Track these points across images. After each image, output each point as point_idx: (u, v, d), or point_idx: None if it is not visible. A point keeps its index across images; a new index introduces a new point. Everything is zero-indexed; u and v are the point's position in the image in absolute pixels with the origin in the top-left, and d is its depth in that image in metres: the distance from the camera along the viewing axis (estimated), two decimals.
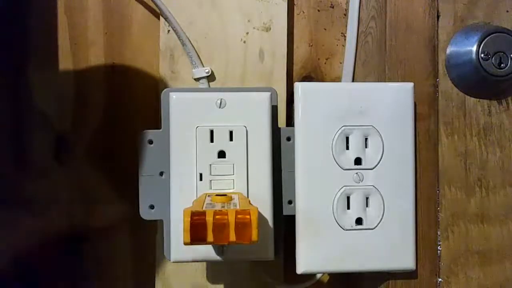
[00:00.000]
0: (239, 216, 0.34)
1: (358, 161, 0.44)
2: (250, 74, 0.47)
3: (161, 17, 0.47)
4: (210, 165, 0.42)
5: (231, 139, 0.42)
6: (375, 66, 0.49)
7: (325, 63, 0.49)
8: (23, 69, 0.47)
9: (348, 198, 0.44)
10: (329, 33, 0.49)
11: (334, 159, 0.44)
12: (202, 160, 0.42)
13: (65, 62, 0.47)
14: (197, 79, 0.47)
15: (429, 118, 0.49)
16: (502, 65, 0.47)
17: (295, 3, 0.49)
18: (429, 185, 0.49)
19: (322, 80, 0.49)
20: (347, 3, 0.49)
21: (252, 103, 0.43)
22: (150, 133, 0.43)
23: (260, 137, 0.43)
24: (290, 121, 0.47)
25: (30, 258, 0.47)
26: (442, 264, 0.49)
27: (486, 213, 0.49)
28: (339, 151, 0.44)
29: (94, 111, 0.47)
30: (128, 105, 0.48)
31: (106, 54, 0.48)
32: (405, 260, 0.45)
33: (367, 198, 0.44)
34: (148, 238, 0.47)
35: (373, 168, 0.44)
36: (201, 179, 0.42)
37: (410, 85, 0.45)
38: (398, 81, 0.49)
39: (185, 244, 0.34)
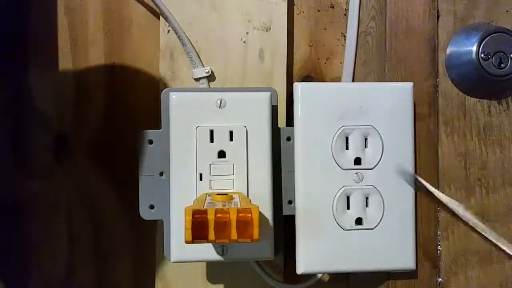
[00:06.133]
0: (240, 214, 0.34)
1: (357, 161, 0.44)
2: (250, 74, 0.47)
3: (161, 17, 0.47)
4: (210, 165, 0.42)
5: (231, 139, 0.43)
6: (375, 66, 0.49)
7: (325, 63, 0.49)
8: (23, 69, 0.47)
9: (348, 198, 0.44)
10: (329, 33, 0.49)
11: (334, 159, 0.44)
12: (202, 160, 0.42)
13: (65, 62, 0.47)
14: (197, 79, 0.47)
15: (429, 118, 0.49)
16: (502, 65, 0.47)
17: (295, 3, 0.49)
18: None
19: (322, 80, 0.49)
20: (347, 3, 0.49)
21: (252, 103, 0.43)
22: (150, 133, 0.43)
23: (260, 137, 0.43)
24: (290, 121, 0.47)
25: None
26: (442, 264, 0.49)
27: (486, 213, 0.49)
28: (339, 151, 0.44)
29: (94, 111, 0.47)
30: (128, 105, 0.48)
31: (106, 54, 0.48)
32: (405, 260, 0.45)
33: (367, 198, 0.44)
34: (148, 238, 0.47)
35: (373, 168, 0.44)
36: (201, 179, 0.42)
37: (409, 85, 0.45)
38: (398, 81, 0.49)
39: (186, 242, 0.34)
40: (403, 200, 0.45)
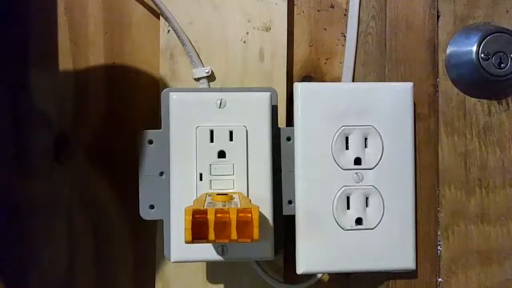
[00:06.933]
0: (240, 214, 0.34)
1: (357, 161, 0.44)
2: (250, 74, 0.47)
3: (161, 17, 0.47)
4: (210, 165, 0.42)
5: (231, 139, 0.42)
6: (375, 66, 0.49)
7: (325, 63, 0.49)
8: (23, 69, 0.47)
9: (348, 198, 0.44)
10: (329, 33, 0.49)
11: (334, 159, 0.44)
12: (202, 160, 0.42)
13: (65, 62, 0.47)
14: (197, 79, 0.47)
15: (429, 118, 0.49)
16: (502, 65, 0.47)
17: (295, 3, 0.49)
18: (429, 185, 0.49)
19: (322, 80, 0.49)
20: (347, 3, 0.49)
21: (252, 103, 0.43)
22: (150, 133, 0.43)
23: (260, 137, 0.43)
24: (290, 121, 0.47)
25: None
26: (442, 264, 0.49)
27: (486, 213, 0.49)
28: (339, 151, 0.44)
29: (94, 111, 0.47)
30: (128, 105, 0.48)
31: (106, 54, 0.48)
32: (405, 260, 0.45)
33: (367, 198, 0.44)
34: (148, 238, 0.47)
35: (373, 168, 0.44)
36: (201, 179, 0.42)
37: (409, 84, 0.45)
38: (398, 81, 0.49)
39: (186, 242, 0.34)
40: (403, 200, 0.45)
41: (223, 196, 0.38)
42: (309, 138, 0.44)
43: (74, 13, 0.48)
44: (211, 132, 0.42)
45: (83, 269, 0.47)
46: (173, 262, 0.43)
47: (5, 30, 0.47)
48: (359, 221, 0.44)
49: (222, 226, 0.34)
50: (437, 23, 0.50)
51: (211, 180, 0.42)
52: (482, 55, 0.47)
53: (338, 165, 0.44)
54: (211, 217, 0.34)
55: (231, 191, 0.42)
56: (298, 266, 0.44)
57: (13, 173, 0.47)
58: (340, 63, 0.49)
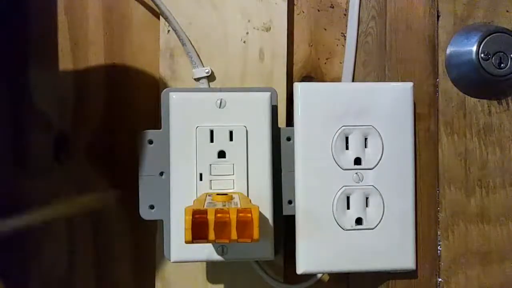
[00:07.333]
0: (240, 214, 0.34)
1: (357, 161, 0.44)
2: (250, 74, 0.47)
3: (161, 17, 0.47)
4: (210, 165, 0.42)
5: (231, 139, 0.42)
6: (375, 66, 0.49)
7: (325, 63, 0.49)
8: (23, 69, 0.47)
9: (348, 198, 0.44)
10: (329, 33, 0.49)
11: (334, 159, 0.44)
12: (202, 160, 0.42)
13: (65, 62, 0.47)
14: (197, 79, 0.47)
15: (429, 118, 0.49)
16: (502, 65, 0.47)
17: (295, 3, 0.49)
18: (429, 185, 0.49)
19: (322, 80, 0.49)
20: (347, 3, 0.49)
21: (252, 103, 0.43)
22: (150, 133, 0.43)
23: (260, 137, 0.43)
24: (290, 121, 0.47)
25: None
26: (442, 264, 0.49)
27: (486, 213, 0.49)
28: (339, 151, 0.44)
29: (94, 111, 0.47)
30: (128, 105, 0.48)
31: (106, 54, 0.48)
32: (405, 260, 0.45)
33: (367, 198, 0.44)
34: (148, 238, 0.47)
35: (373, 168, 0.44)
36: (201, 179, 0.42)
37: (409, 84, 0.45)
38: (398, 81, 0.49)
39: (187, 242, 0.34)
40: (403, 200, 0.45)
41: (223, 196, 0.38)
42: (309, 138, 0.44)
43: (74, 13, 0.48)
44: (211, 132, 0.42)
45: (83, 269, 0.47)
46: (173, 262, 0.43)
47: (5, 30, 0.47)
48: (359, 221, 0.44)
49: (222, 226, 0.34)
50: (437, 23, 0.50)
51: (211, 180, 0.42)
52: (482, 55, 0.47)
53: (338, 165, 0.44)
54: (211, 217, 0.34)
55: (231, 191, 0.42)
56: (298, 266, 0.44)
57: (13, 173, 0.47)
58: (340, 63, 0.49)
